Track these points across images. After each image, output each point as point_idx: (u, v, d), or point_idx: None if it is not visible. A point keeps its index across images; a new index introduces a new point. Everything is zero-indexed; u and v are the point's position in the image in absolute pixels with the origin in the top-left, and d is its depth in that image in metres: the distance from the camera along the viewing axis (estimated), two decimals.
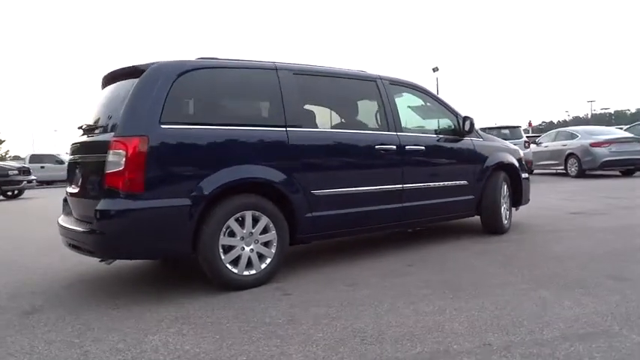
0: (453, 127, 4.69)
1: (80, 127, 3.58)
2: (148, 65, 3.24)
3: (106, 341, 2.49)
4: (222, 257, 3.23)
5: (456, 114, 4.72)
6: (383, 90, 4.23)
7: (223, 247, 3.23)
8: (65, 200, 4.06)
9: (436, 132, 4.63)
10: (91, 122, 3.56)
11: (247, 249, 3.33)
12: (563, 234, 4.89)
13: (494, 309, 2.71)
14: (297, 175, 3.52)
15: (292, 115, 3.60)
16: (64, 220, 3.65)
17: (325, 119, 4.09)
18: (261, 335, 2.48)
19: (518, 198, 5.24)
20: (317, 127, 3.82)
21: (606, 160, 11.94)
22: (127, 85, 3.33)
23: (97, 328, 2.69)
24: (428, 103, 4.71)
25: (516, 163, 5.19)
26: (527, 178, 5.42)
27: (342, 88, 4.12)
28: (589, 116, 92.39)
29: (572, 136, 13.04)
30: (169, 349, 2.35)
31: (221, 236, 3.22)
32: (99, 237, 3.01)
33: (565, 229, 5.14)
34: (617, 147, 12.01)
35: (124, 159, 2.96)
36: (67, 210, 3.93)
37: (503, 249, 4.30)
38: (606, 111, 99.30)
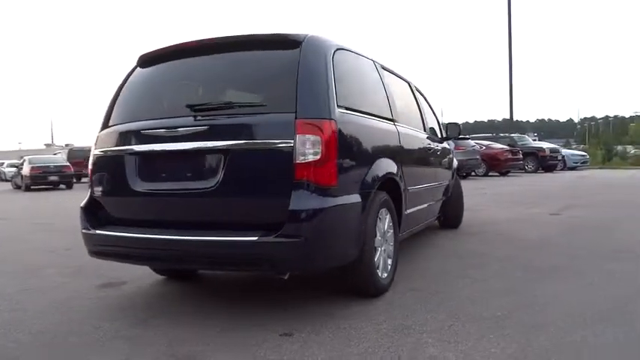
0: (437, 131, 5.14)
1: (190, 106, 2.62)
2: (300, 36, 2.69)
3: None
4: (375, 260, 2.91)
5: (437, 118, 5.21)
6: (415, 91, 4.42)
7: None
8: (89, 209, 2.92)
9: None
10: (197, 100, 2.67)
11: (381, 249, 3.08)
12: (509, 224, 5.85)
13: (614, 279, 3.27)
14: (404, 171, 3.41)
15: (395, 111, 3.48)
16: (132, 231, 2.65)
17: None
18: (519, 331, 2.42)
19: None
20: (404, 124, 3.75)
21: None
22: (268, 56, 2.75)
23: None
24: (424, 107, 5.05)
25: None
26: None
27: (399, 87, 4.12)
28: None
29: None
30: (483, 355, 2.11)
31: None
32: (295, 244, 2.33)
33: (499, 221, 6.11)
34: None
35: (320, 146, 2.41)
36: (108, 217, 2.85)
37: (493, 239, 4.92)
38: None
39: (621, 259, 3.85)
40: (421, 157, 4.06)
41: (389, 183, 3.12)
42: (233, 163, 2.48)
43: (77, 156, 23.63)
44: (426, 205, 4.16)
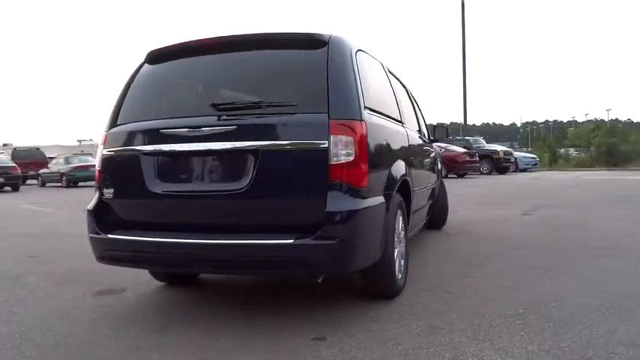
0: (425, 133, 5.22)
1: (215, 105, 2.51)
2: (325, 35, 2.65)
3: None
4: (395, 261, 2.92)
5: (425, 121, 5.29)
6: (410, 93, 4.46)
7: None
8: (98, 212, 2.75)
9: None
10: (218, 99, 2.57)
11: (396, 251, 3.08)
12: (488, 225, 6.03)
13: (611, 276, 3.42)
14: (411, 172, 3.44)
15: (402, 113, 3.51)
16: (159, 235, 2.51)
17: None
18: (546, 327, 2.49)
19: None
20: (408, 126, 3.77)
21: None
22: (293, 55, 2.71)
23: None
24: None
25: None
26: None
27: (400, 89, 4.14)
28: None
29: None
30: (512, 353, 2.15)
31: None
32: (332, 246, 2.28)
33: (477, 222, 6.29)
34: None
35: (353, 147, 2.38)
36: (119, 221, 2.70)
37: (479, 239, 5.04)
38: None
39: (607, 255, 4.04)
40: (421, 159, 4.11)
41: (402, 184, 3.14)
42: (264, 164, 2.41)
43: (22, 156, 22.38)
44: (424, 207, 4.22)
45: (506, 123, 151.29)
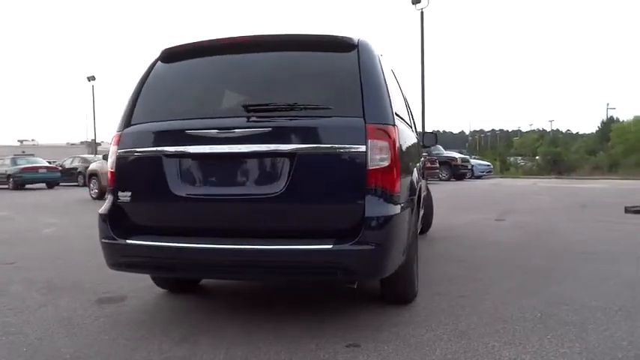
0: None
1: (246, 106, 2.42)
2: (353, 39, 2.63)
3: None
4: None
5: (416, 127, 5.36)
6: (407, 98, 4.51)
7: None
8: (112, 217, 2.60)
9: None
10: (247, 101, 2.49)
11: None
12: (469, 229, 6.20)
13: (604, 279, 3.57)
14: (421, 179, 3.47)
15: (411, 118, 3.53)
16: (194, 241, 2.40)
17: None
18: (569, 330, 2.57)
19: None
20: (414, 132, 3.80)
21: None
22: (322, 57, 2.70)
23: None
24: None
25: None
26: None
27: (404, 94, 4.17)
28: None
29: None
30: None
31: None
32: (371, 252, 2.26)
33: (458, 227, 6.45)
34: None
35: (388, 152, 2.37)
36: (135, 225, 2.56)
37: (469, 244, 5.15)
38: None
39: (593, 260, 4.22)
40: (420, 165, 4.16)
41: (419, 190, 3.17)
42: (300, 168, 2.35)
43: None
44: (422, 212, 4.27)
45: (456, 131, 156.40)
